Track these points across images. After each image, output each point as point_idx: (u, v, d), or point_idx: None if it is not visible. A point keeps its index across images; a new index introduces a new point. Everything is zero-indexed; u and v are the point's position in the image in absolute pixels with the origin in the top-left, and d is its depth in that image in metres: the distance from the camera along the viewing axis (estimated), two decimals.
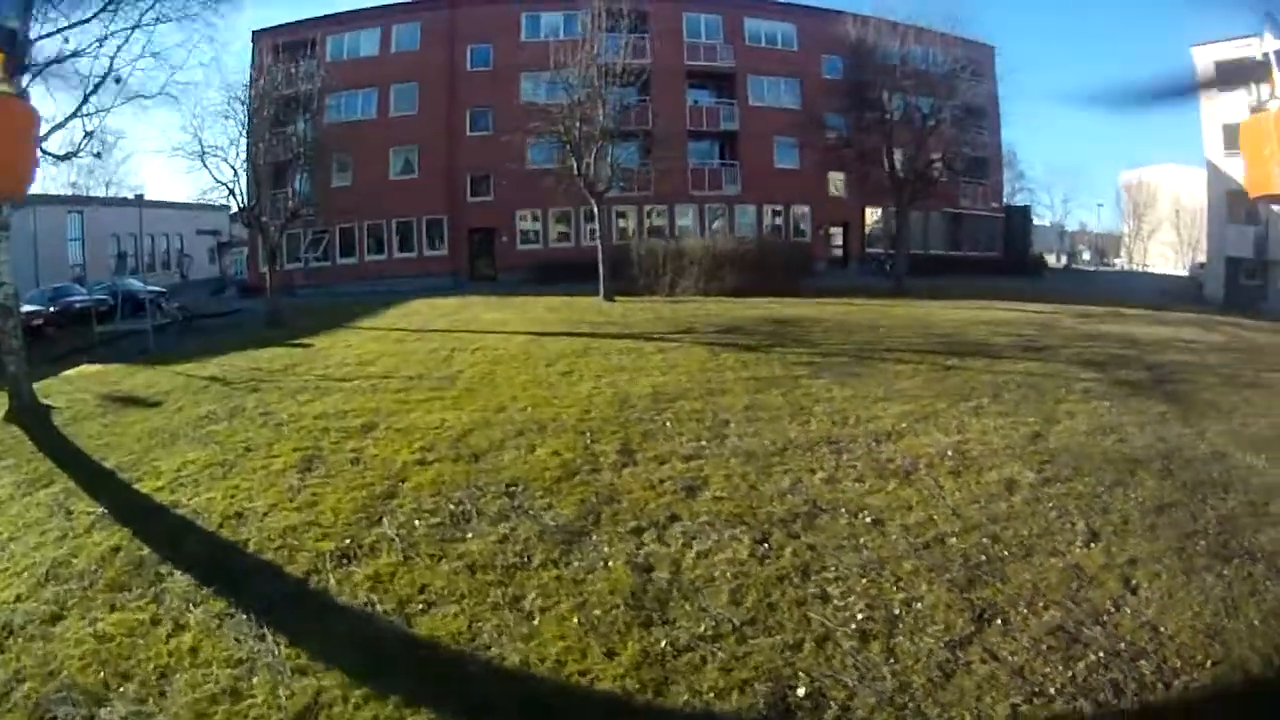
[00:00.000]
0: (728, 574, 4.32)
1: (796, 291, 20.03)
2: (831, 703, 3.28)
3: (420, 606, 3.87)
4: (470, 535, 4.76)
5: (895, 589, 4.23)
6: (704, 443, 6.66)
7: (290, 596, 3.98)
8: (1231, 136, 25.95)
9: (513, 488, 5.57)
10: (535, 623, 3.76)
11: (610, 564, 4.41)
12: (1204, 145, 28.14)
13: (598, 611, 3.88)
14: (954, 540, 4.84)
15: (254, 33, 26.78)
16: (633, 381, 8.94)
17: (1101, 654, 3.64)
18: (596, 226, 19.32)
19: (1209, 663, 3.60)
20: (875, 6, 26.39)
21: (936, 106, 23.11)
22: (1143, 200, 59.50)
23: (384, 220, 27.93)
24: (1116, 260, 62.47)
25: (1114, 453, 6.36)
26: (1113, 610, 4.03)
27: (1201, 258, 43.28)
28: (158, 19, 12.38)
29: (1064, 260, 50.30)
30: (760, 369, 9.65)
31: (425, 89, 28.26)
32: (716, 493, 5.54)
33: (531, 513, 5.13)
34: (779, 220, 30.64)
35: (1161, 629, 3.86)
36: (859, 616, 3.93)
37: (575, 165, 17.89)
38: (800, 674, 3.45)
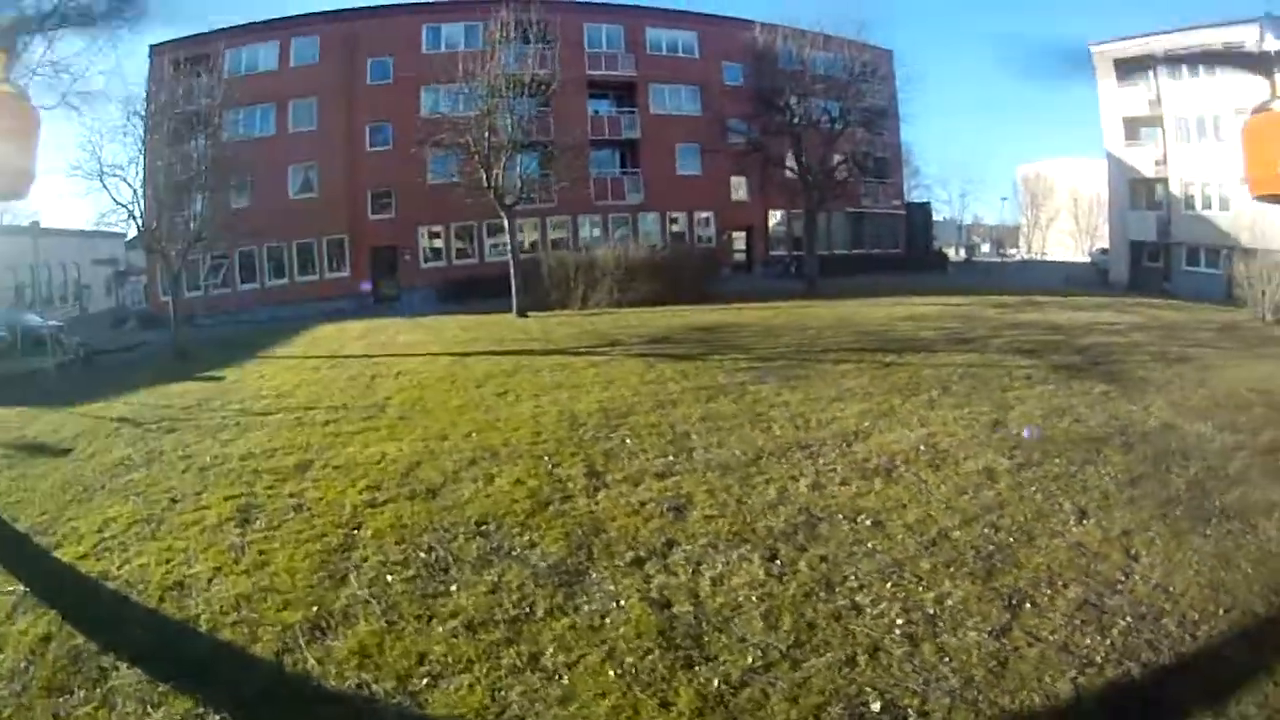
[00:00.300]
0: (752, 598, 4.09)
1: (709, 298, 20.32)
2: (909, 710, 3.17)
3: (425, 681, 3.34)
4: (455, 587, 4.24)
5: (921, 589, 4.17)
6: (671, 458, 6.44)
7: (266, 687, 3.33)
8: (1133, 128, 29.49)
9: (484, 525, 5.09)
10: (566, 682, 3.34)
11: (623, 603, 4.05)
12: (1104, 137, 30.67)
13: (630, 659, 3.52)
14: (958, 534, 4.87)
15: (151, 46, 24.40)
16: (575, 399, 8.61)
17: (1129, 619, 3.82)
18: (507, 240, 18.99)
19: (1220, 610, 3.90)
20: (779, 14, 27.62)
21: (844, 109, 24.32)
22: (1040, 192, 64.15)
23: (285, 243, 26.83)
24: (1013, 250, 66.75)
25: (1074, 433, 6.73)
26: (1124, 579, 4.24)
27: (1101, 244, 47.10)
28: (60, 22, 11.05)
29: (963, 253, 53.56)
30: (703, 378, 9.56)
31: (324, 103, 27.17)
32: (705, 511, 5.31)
33: (515, 554, 4.67)
34: (682, 227, 31.14)
35: (1171, 589, 4.12)
36: (899, 622, 3.84)
37: (485, 177, 17.48)
38: (867, 689, 3.29)
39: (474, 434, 7.26)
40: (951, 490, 5.58)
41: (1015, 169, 71.07)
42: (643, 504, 5.45)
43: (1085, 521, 4.91)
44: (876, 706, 3.19)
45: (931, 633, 3.73)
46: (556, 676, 3.38)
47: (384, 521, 5.12)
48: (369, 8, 28.28)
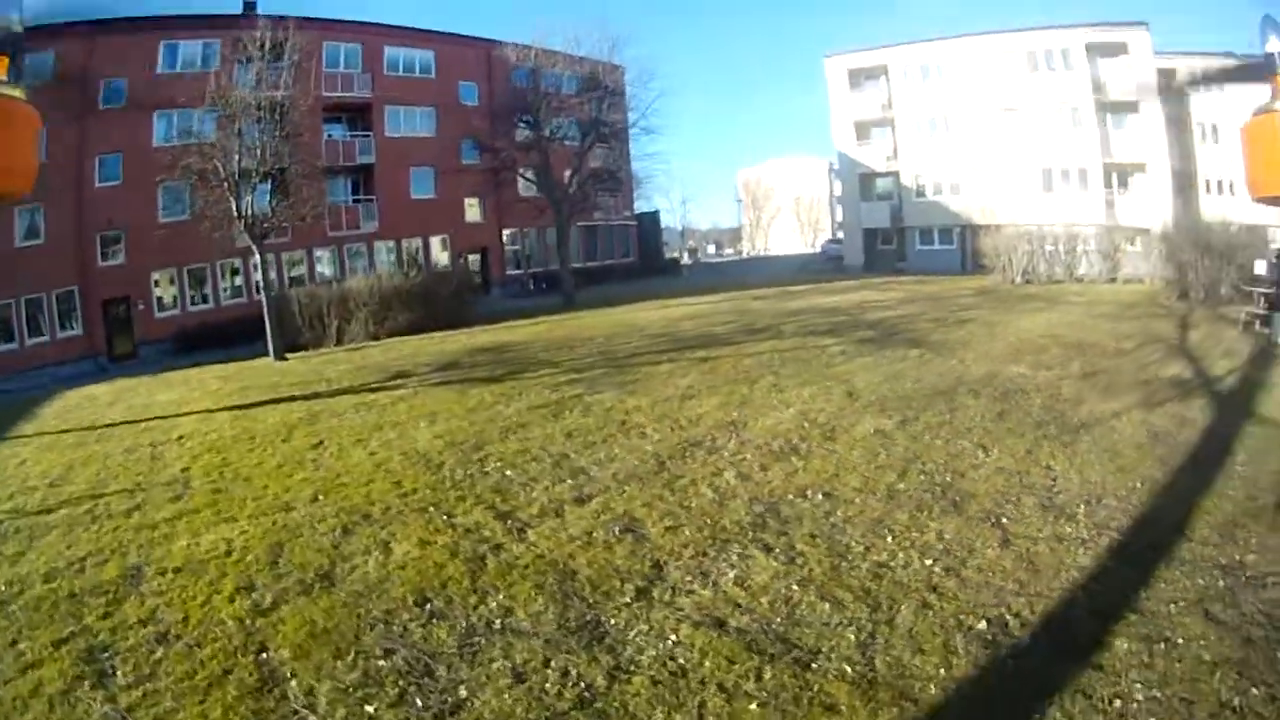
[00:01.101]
0: (809, 591, 3.97)
1: (469, 321, 19.54)
2: (1006, 619, 3.65)
3: None
4: (466, 692, 3.27)
5: (918, 533, 4.59)
6: (571, 481, 5.98)
7: None
8: (864, 129, 34.33)
9: (429, 603, 4.06)
10: None
11: (681, 635, 3.58)
12: (835, 138, 35.13)
13: (754, 706, 3.08)
14: (902, 485, 5.34)
15: None
16: (406, 437, 7.59)
17: (1084, 505, 4.83)
18: (241, 281, 15.93)
19: (1141, 484, 5.13)
20: (524, 33, 27.58)
21: (590, 125, 25.03)
22: (761, 194, 71.49)
23: (12, 299, 21.98)
24: (728, 251, 73.38)
25: (924, 389, 7.87)
26: (1055, 483, 5.23)
27: (825, 236, 55.09)
28: None
29: (687, 257, 57.56)
30: (530, 397, 9.09)
31: (54, 133, 20.53)
32: (661, 524, 4.99)
33: (501, 627, 3.81)
34: (419, 253, 29.55)
35: (1096, 481, 5.20)
36: (927, 563, 4.22)
37: (234, 206, 15.42)
38: (962, 617, 3.64)
39: (321, 496, 5.87)
40: (864, 453, 6.06)
41: (736, 174, 77.75)
42: (588, 533, 4.91)
43: (991, 452, 5.75)
44: (982, 625, 3.57)
45: (961, 561, 4.18)
46: None
47: (294, 632, 3.80)
48: (108, 21, 23.64)
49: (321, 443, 7.60)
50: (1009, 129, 29.06)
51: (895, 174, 32.97)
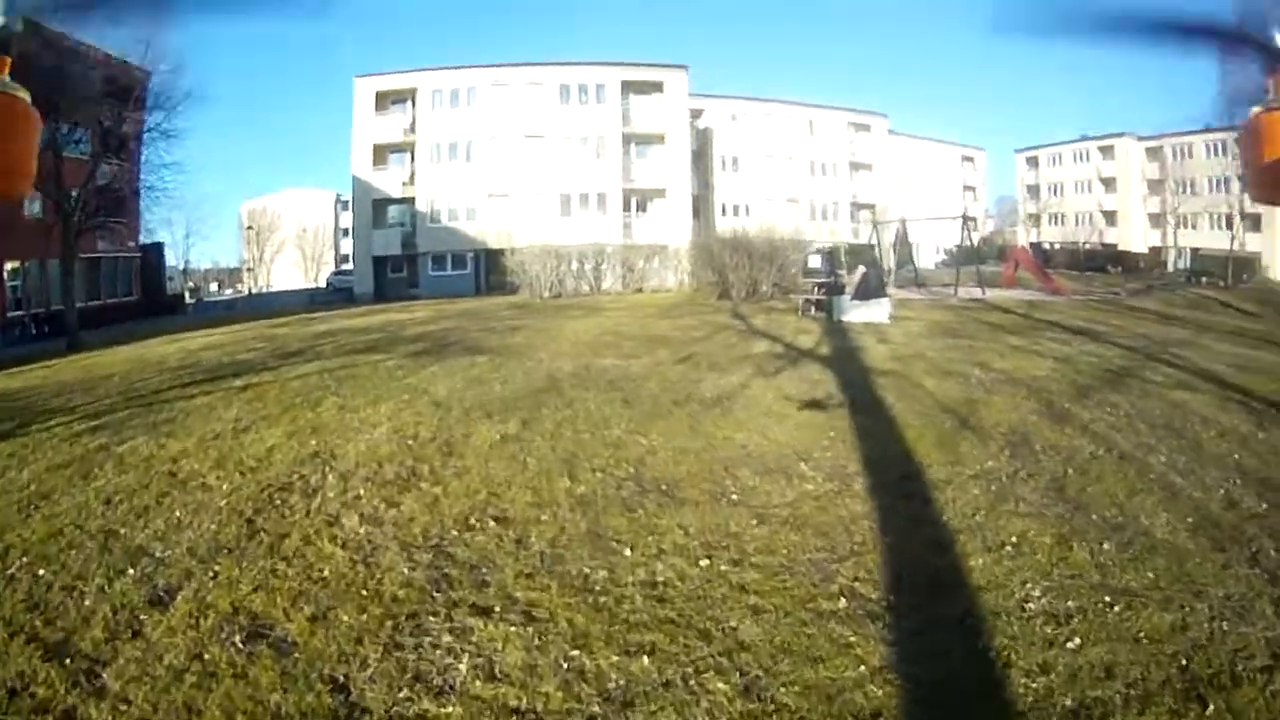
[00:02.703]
0: (601, 653, 2.81)
1: None
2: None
3: None
4: None
5: (661, 535, 3.90)
6: (135, 571, 3.66)
7: None
8: (382, 154, 31.32)
9: None
10: None
11: None
12: (354, 163, 32.17)
13: None
14: (582, 489, 4.68)
15: None
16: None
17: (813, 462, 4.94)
18: None
19: (834, 433, 5.68)
20: None
21: (106, 132, 18.03)
22: (266, 225, 62.32)
23: None
24: (228, 291, 63.29)
25: (521, 390, 7.56)
26: (755, 450, 5.37)
27: (329, 269, 50.46)
28: None
29: (189, 296, 48.20)
30: (48, 454, 5.88)
31: None
32: (306, 615, 3.24)
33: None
34: None
35: (786, 440, 5.19)
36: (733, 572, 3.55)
37: None
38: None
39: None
40: (507, 463, 5.29)
41: (240, 205, 69.39)
42: (197, 657, 2.82)
43: (651, 435, 5.63)
44: None
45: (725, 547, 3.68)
46: None
47: None
48: None
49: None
50: (531, 156, 30.49)
51: (410, 200, 31.99)
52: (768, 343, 10.75)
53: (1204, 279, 38.58)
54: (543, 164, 30.43)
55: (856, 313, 13.74)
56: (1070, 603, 3.08)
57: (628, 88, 32.08)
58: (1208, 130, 49.41)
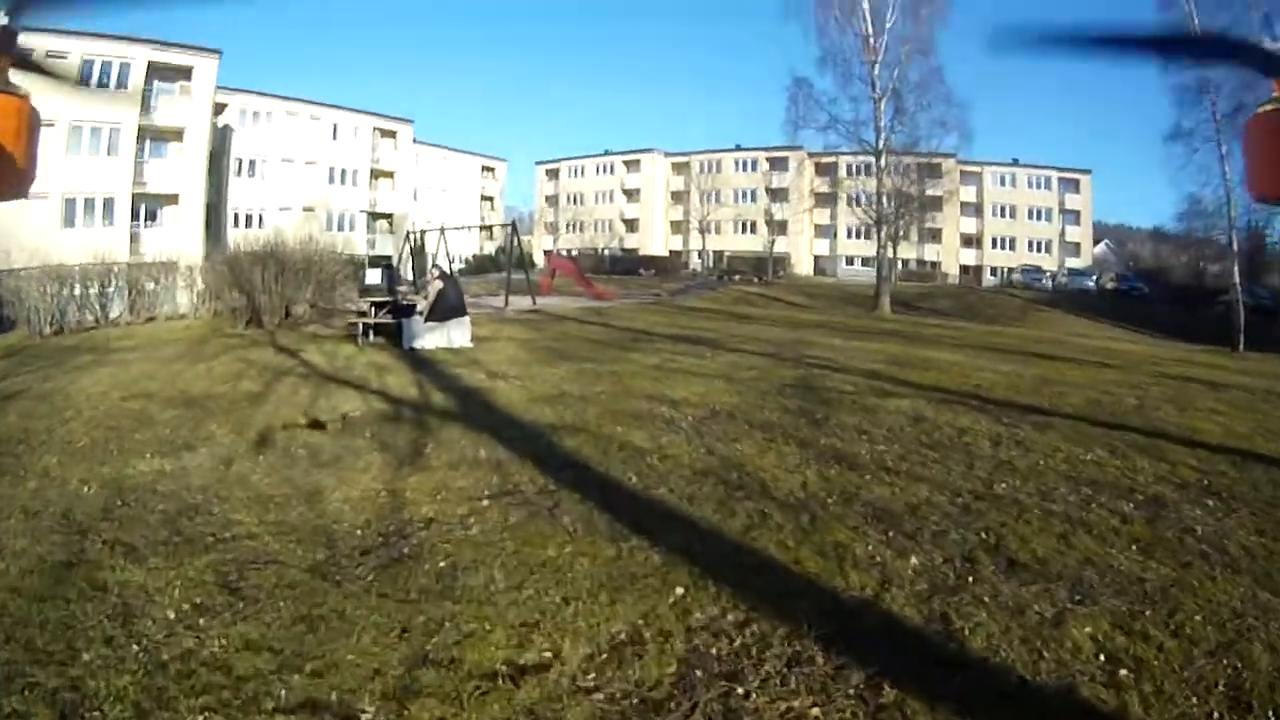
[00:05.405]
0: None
1: None
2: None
3: None
4: None
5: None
6: None
7: None
8: None
9: None
10: None
11: None
12: None
13: None
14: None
15: None
16: None
17: None
18: None
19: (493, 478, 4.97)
20: None
21: None
22: None
23: None
24: None
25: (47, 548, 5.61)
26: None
27: None
28: None
29: None
30: None
31: None
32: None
33: None
34: None
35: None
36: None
37: None
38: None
39: None
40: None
41: None
42: None
43: (344, 486, 4.70)
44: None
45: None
46: None
47: None
48: None
49: None
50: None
51: None
52: (355, 394, 7.80)
53: (736, 276, 46.78)
54: (46, 160, 23.43)
55: (432, 337, 11.26)
56: None
57: (153, 70, 27.03)
58: (739, 149, 59.87)
